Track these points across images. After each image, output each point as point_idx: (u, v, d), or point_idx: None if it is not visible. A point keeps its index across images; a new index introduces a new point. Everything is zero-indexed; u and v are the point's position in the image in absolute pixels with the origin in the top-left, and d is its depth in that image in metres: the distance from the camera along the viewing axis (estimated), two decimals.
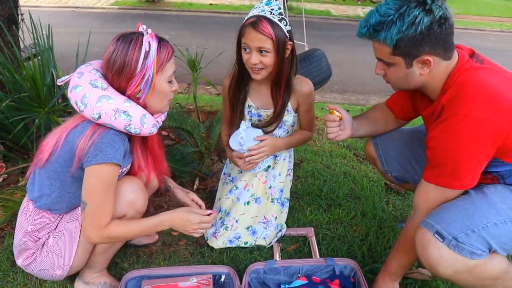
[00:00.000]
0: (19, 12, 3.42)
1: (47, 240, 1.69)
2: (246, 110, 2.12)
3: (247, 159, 2.06)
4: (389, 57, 1.54)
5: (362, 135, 1.98)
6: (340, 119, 1.82)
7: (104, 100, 1.49)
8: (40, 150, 1.62)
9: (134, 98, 1.57)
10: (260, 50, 1.85)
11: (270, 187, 2.21)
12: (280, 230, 2.19)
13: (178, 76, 1.76)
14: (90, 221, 1.54)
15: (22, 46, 2.86)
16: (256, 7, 1.88)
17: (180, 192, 1.98)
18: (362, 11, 12.32)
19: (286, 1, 4.08)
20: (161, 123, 1.69)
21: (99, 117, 1.49)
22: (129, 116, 1.52)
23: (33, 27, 2.80)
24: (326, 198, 2.55)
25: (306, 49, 4.01)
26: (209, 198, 2.52)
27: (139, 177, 1.76)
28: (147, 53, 1.52)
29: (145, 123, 1.56)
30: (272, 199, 2.20)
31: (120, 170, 1.62)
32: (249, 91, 2.10)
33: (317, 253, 2.07)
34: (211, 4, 12.16)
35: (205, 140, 3.06)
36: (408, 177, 2.02)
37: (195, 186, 2.65)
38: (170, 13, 11.07)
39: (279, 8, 1.86)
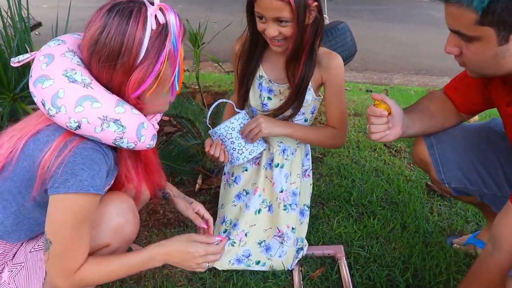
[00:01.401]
0: None
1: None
2: (257, 82, 1.70)
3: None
4: (473, 28, 1.06)
5: (414, 134, 1.50)
6: (389, 113, 1.33)
7: (86, 104, 1.03)
8: None
9: (131, 98, 1.10)
10: (278, 20, 1.43)
11: (281, 191, 1.76)
12: (301, 248, 1.74)
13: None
14: (56, 265, 1.10)
15: None
16: None
17: (181, 203, 1.54)
18: None
19: None
20: (158, 127, 1.24)
21: (78, 127, 1.04)
22: (122, 126, 1.07)
23: (9, 2, 2.34)
24: (356, 203, 2.09)
25: (327, 21, 3.54)
26: (214, 201, 2.08)
27: (126, 189, 1.31)
28: (156, 33, 1.06)
29: (143, 136, 1.12)
30: (284, 205, 1.75)
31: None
32: (264, 58, 1.68)
33: (350, 281, 1.62)
34: None
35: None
36: (473, 190, 1.54)
37: (197, 186, 2.21)
38: None
39: None
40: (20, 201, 1.13)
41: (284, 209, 1.74)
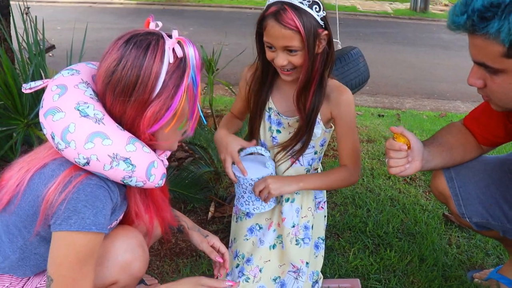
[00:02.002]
0: (25, 7, 3.03)
1: None
2: (266, 114, 1.65)
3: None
4: (499, 60, 1.04)
5: (434, 167, 1.46)
6: (409, 147, 1.31)
7: (97, 140, 1.00)
8: None
9: (144, 134, 1.08)
10: (288, 49, 1.41)
11: (293, 226, 1.71)
12: (316, 281, 1.69)
13: None
14: None
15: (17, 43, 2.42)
16: None
17: (195, 236, 1.49)
18: (389, 6, 11.71)
19: None
20: (167, 163, 1.21)
21: (87, 163, 1.01)
22: (132, 165, 1.04)
23: (25, 26, 2.36)
24: (372, 234, 2.04)
25: (340, 47, 3.53)
26: (227, 230, 2.05)
27: (137, 225, 1.27)
28: (174, 67, 1.04)
29: (152, 175, 1.09)
30: (296, 240, 1.69)
31: (109, 226, 1.14)
32: (273, 90, 1.64)
33: None
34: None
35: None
36: (496, 225, 1.48)
37: (210, 214, 2.18)
38: (190, 8, 10.66)
39: None
40: (26, 236, 1.11)
41: (297, 244, 1.69)
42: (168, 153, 1.23)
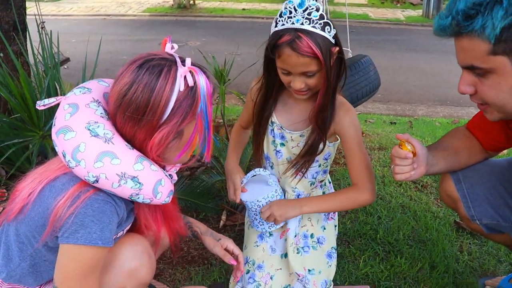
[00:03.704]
0: (41, 21, 3.11)
1: None
2: (269, 128, 1.65)
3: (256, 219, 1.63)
4: (487, 59, 1.05)
5: (438, 171, 1.47)
6: (414, 154, 1.32)
7: (106, 160, 1.04)
8: (12, 197, 1.19)
9: (152, 155, 1.11)
10: (305, 74, 1.40)
11: (295, 236, 1.71)
12: None
13: None
14: None
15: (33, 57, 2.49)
16: (285, 13, 1.38)
17: (208, 240, 1.52)
18: (402, 14, 11.68)
19: (325, 3, 3.62)
20: (176, 178, 1.25)
21: (96, 181, 1.05)
22: (139, 183, 1.07)
23: (40, 39, 2.43)
24: (382, 242, 2.05)
25: (350, 55, 3.55)
26: (239, 238, 2.07)
27: (146, 235, 1.31)
28: (184, 94, 1.07)
29: (159, 193, 1.12)
30: (297, 249, 1.69)
31: (115, 236, 1.17)
32: (277, 104, 1.62)
33: None
34: (243, 9, 11.78)
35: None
36: (506, 227, 1.49)
37: (221, 222, 2.20)
38: (202, 19, 10.76)
39: (317, 9, 1.37)
40: (35, 245, 1.14)
41: (298, 253, 1.69)
42: (178, 166, 1.26)
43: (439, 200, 2.44)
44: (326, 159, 1.67)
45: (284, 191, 1.73)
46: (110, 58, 6.48)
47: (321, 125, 1.53)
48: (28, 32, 2.62)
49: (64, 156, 1.06)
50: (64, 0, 12.79)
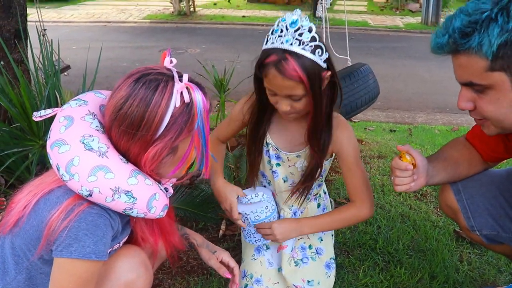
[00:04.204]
0: (42, 29, 3.12)
1: None
2: (264, 149, 1.62)
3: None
4: (484, 76, 1.06)
5: (438, 182, 1.48)
6: (414, 166, 1.33)
7: (100, 174, 1.04)
8: (8, 209, 1.19)
9: (147, 169, 1.11)
10: (291, 97, 1.37)
11: (291, 250, 1.71)
12: None
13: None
14: None
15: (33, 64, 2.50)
16: (277, 31, 1.33)
17: (204, 252, 1.52)
18: (401, 21, 11.72)
19: (324, 11, 3.63)
20: (172, 191, 1.24)
21: (89, 195, 1.05)
22: (133, 198, 1.08)
23: (41, 47, 2.44)
24: (382, 252, 2.05)
25: (350, 63, 3.55)
26: (238, 248, 2.06)
27: (143, 247, 1.30)
28: (179, 110, 1.07)
29: (153, 207, 1.12)
30: (295, 261, 1.69)
31: (110, 249, 1.17)
32: (271, 124, 1.59)
33: None
34: (243, 16, 11.82)
35: (234, 172, 2.61)
36: (506, 237, 1.49)
37: (221, 232, 2.20)
38: (202, 26, 10.79)
39: (310, 30, 1.31)
40: (31, 258, 1.14)
41: (296, 265, 1.70)
42: (174, 180, 1.26)
43: (438, 209, 2.44)
44: (322, 175, 1.66)
45: (280, 209, 1.73)
46: (110, 65, 6.50)
47: (318, 150, 1.51)
48: (30, 40, 2.63)
49: (58, 170, 1.06)
50: (65, 7, 12.85)
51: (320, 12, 3.41)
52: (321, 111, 1.41)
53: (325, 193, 1.82)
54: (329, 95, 1.44)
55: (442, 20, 11.46)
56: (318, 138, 1.48)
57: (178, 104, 1.06)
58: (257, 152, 1.62)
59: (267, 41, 1.36)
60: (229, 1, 13.30)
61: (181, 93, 1.07)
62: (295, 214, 1.72)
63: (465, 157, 1.51)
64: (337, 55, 3.65)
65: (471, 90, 1.13)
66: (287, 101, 1.38)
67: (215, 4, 13.59)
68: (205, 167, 1.18)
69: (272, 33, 1.34)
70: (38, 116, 1.18)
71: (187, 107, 1.08)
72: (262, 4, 13.51)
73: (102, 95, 1.20)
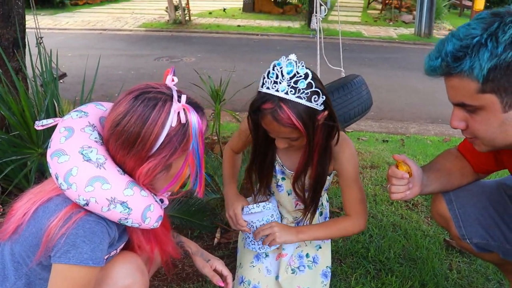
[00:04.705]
0: (39, 37, 3.16)
1: None
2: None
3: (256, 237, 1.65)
4: (476, 97, 1.11)
5: (432, 191, 1.53)
6: (410, 175, 1.38)
7: (97, 184, 1.08)
8: (8, 216, 1.22)
9: (140, 183, 1.15)
10: (288, 138, 1.43)
11: (289, 258, 1.76)
12: None
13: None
14: None
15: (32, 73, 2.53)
16: (272, 75, 1.33)
17: (198, 261, 1.55)
18: (394, 32, 11.86)
19: (318, 23, 3.70)
20: (168, 203, 1.28)
21: (86, 204, 1.09)
22: (128, 208, 1.11)
23: (39, 55, 2.47)
24: (374, 260, 2.09)
25: (343, 75, 3.61)
26: (233, 256, 2.10)
27: (139, 254, 1.33)
28: (175, 130, 1.11)
29: (148, 218, 1.16)
30: (292, 269, 1.73)
31: (107, 256, 1.21)
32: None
33: None
34: (239, 26, 11.91)
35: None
36: (495, 246, 1.54)
37: (216, 240, 2.24)
38: (197, 35, 10.85)
39: (306, 76, 1.32)
40: (30, 264, 1.17)
41: (293, 272, 1.73)
42: (169, 193, 1.30)
43: (429, 219, 2.49)
44: (325, 190, 1.71)
45: (283, 217, 1.77)
46: (106, 72, 6.53)
47: (300, 193, 1.60)
48: (29, 48, 2.66)
49: (57, 179, 1.10)
50: (61, 14, 12.90)
51: (314, 24, 3.47)
52: (317, 145, 1.46)
53: (327, 201, 1.87)
54: (326, 128, 1.47)
55: (435, 31, 11.67)
56: (304, 181, 1.56)
57: (174, 124, 1.10)
58: (268, 172, 1.66)
59: (262, 84, 1.37)
60: (224, 11, 13.42)
61: (178, 113, 1.11)
62: (297, 225, 1.76)
63: (457, 168, 1.56)
64: (331, 66, 3.72)
65: (464, 110, 1.18)
66: (285, 140, 1.44)
67: (210, 13, 13.69)
68: (199, 186, 1.22)
69: (268, 77, 1.35)
70: (40, 125, 1.22)
71: (183, 128, 1.12)
72: (257, 13, 13.63)
73: (103, 107, 1.25)
